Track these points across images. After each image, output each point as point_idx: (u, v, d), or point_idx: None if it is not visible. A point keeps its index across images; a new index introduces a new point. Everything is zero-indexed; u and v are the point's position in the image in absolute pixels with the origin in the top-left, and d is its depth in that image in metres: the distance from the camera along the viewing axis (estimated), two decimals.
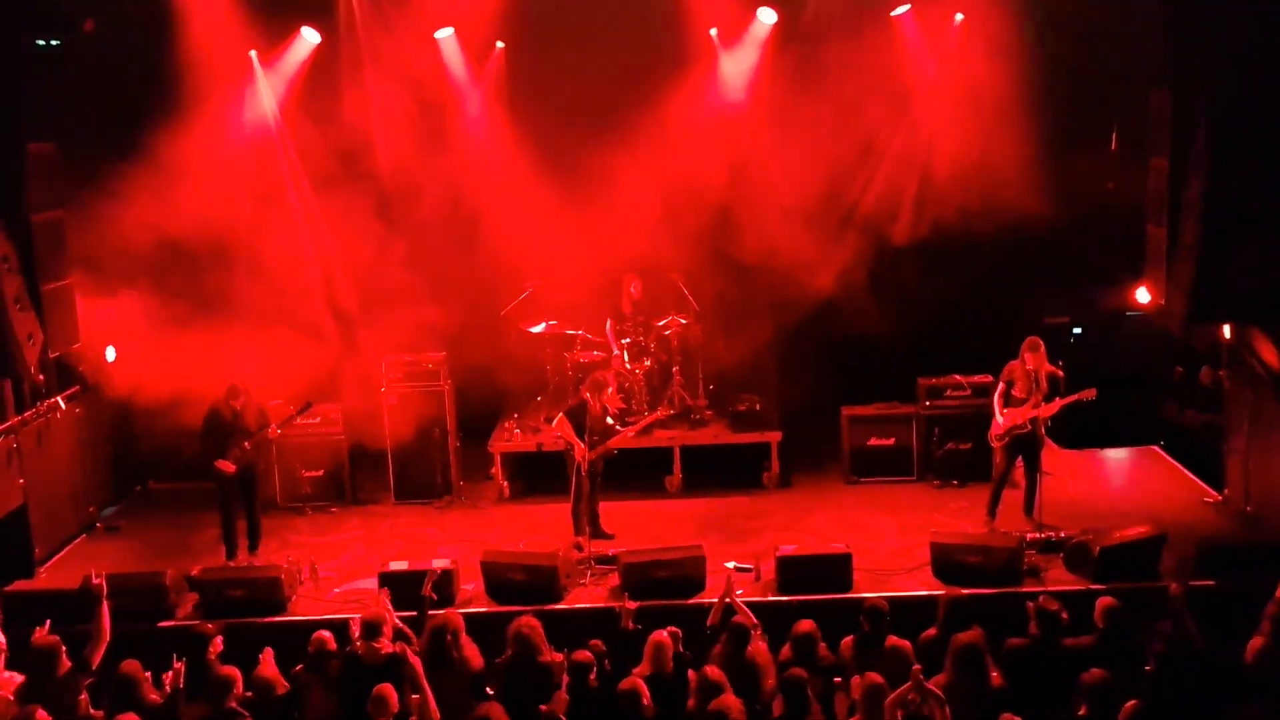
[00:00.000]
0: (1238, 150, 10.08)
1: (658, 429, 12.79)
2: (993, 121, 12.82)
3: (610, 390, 11.40)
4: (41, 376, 11.47)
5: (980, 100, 13.06)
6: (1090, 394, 10.84)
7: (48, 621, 8.48)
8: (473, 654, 8.43)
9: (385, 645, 8.37)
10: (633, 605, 8.83)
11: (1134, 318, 13.02)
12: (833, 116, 13.40)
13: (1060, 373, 11.01)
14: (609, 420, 11.35)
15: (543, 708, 7.63)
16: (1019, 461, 11.34)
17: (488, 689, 8.25)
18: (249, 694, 8.07)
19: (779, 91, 13.48)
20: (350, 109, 13.56)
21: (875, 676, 7.44)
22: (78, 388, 12.41)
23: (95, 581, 8.42)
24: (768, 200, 13.08)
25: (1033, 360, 10.91)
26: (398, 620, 8.55)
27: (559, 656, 8.15)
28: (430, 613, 8.71)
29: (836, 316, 13.67)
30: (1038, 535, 10.79)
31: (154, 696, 8.03)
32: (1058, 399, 10.91)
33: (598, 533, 11.46)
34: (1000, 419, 11.14)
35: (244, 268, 12.79)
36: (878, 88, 13.45)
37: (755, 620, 8.47)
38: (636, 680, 7.59)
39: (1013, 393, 11.08)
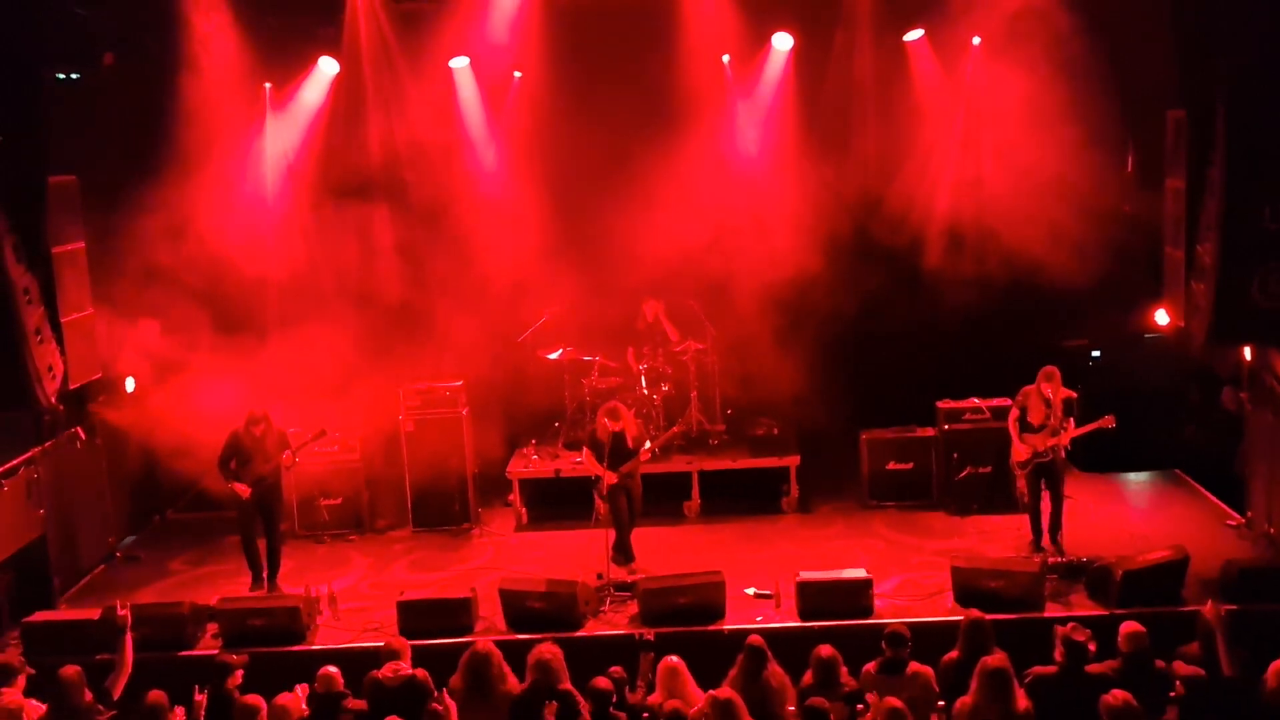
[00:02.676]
0: (1255, 170, 10.05)
1: (676, 453, 12.80)
2: (1008, 144, 12.85)
3: (628, 416, 11.39)
4: (61, 407, 11.52)
5: (996, 124, 13.10)
6: (1109, 422, 10.82)
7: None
8: (513, 684, 8.38)
9: (405, 668, 8.36)
10: (650, 636, 8.79)
11: (1153, 340, 12.98)
12: (849, 141, 13.46)
13: (1075, 395, 10.97)
14: (629, 444, 11.31)
15: None
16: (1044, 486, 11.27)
17: None
18: None
19: (795, 117, 13.52)
20: (367, 138, 13.67)
21: (894, 700, 7.39)
22: (98, 419, 12.46)
23: (121, 612, 8.42)
24: (786, 224, 13.07)
25: (1049, 389, 10.88)
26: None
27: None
28: (469, 639, 8.66)
29: (855, 340, 13.69)
30: (1060, 560, 10.72)
31: None
32: (1072, 425, 10.87)
33: (628, 557, 11.38)
34: (1020, 446, 11.09)
35: (262, 295, 12.86)
36: (894, 112, 13.49)
37: None
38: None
39: (1028, 419, 11.03)
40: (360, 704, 8.24)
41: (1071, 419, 10.95)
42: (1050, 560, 10.72)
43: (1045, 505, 11.29)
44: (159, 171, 12.19)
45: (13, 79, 10.95)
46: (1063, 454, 11.04)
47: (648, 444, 11.35)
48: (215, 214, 12.49)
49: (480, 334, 13.15)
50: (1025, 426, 11.07)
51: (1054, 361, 11.17)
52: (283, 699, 8.08)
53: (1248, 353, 11.59)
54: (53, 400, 11.07)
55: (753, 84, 13.73)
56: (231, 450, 11.15)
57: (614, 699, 7.93)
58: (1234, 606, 9.66)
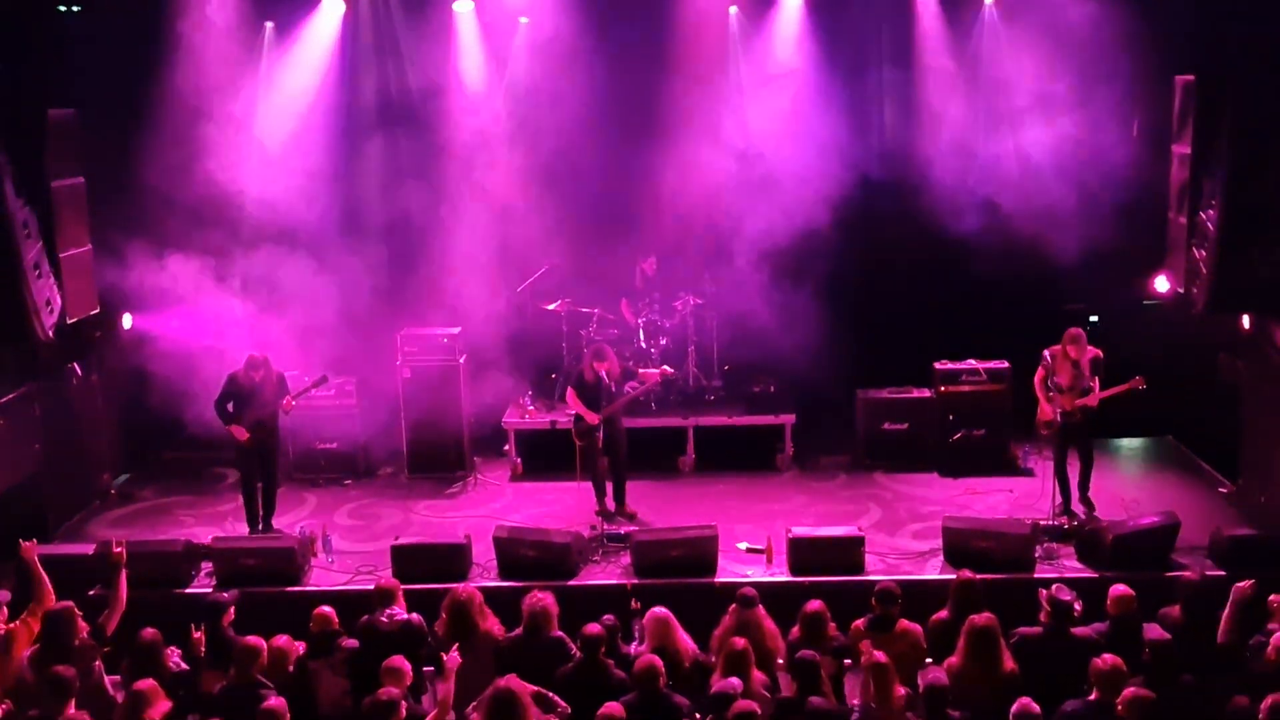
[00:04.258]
0: (1262, 137, 10.00)
1: (672, 408, 12.82)
2: (1014, 107, 12.79)
3: (612, 356, 11.41)
4: (58, 343, 11.50)
5: (1003, 86, 13.03)
6: (1138, 383, 10.74)
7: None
8: (494, 625, 8.45)
9: (399, 613, 8.40)
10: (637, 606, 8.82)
11: (1152, 307, 12.97)
12: (853, 99, 13.38)
13: (1101, 354, 10.94)
14: (612, 386, 11.34)
15: None
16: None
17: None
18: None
19: (800, 71, 13.43)
20: (369, 82, 13.59)
21: (880, 655, 7.44)
22: (94, 355, 12.45)
23: (116, 550, 8.44)
24: (790, 181, 13.01)
25: (1074, 350, 10.80)
26: None
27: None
28: (451, 586, 8.72)
29: (855, 300, 13.67)
30: (1051, 523, 10.76)
31: (173, 664, 8.07)
32: (1098, 386, 10.78)
33: (621, 510, 11.49)
34: (1048, 407, 10.99)
35: (262, 235, 12.82)
36: (902, 73, 13.42)
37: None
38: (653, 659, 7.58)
39: (1055, 380, 10.96)
40: (353, 643, 8.29)
41: (1098, 379, 10.90)
42: (1077, 524, 10.71)
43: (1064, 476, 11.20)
44: (160, 107, 12.11)
45: (13, 11, 10.85)
46: (1090, 417, 10.91)
47: (631, 388, 11.39)
48: (216, 151, 12.41)
49: (479, 283, 13.11)
50: (1052, 388, 10.92)
51: (1052, 325, 11.16)
52: (279, 641, 8.13)
53: (1246, 321, 11.59)
54: (50, 335, 11.05)
55: (761, 39, 13.62)
56: (230, 392, 11.13)
57: (604, 646, 7.97)
58: (1222, 573, 9.73)
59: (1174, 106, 11.45)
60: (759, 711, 6.90)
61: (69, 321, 11.33)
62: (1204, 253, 10.67)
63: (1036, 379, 11.10)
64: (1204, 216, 10.72)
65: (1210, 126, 10.52)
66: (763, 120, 13.50)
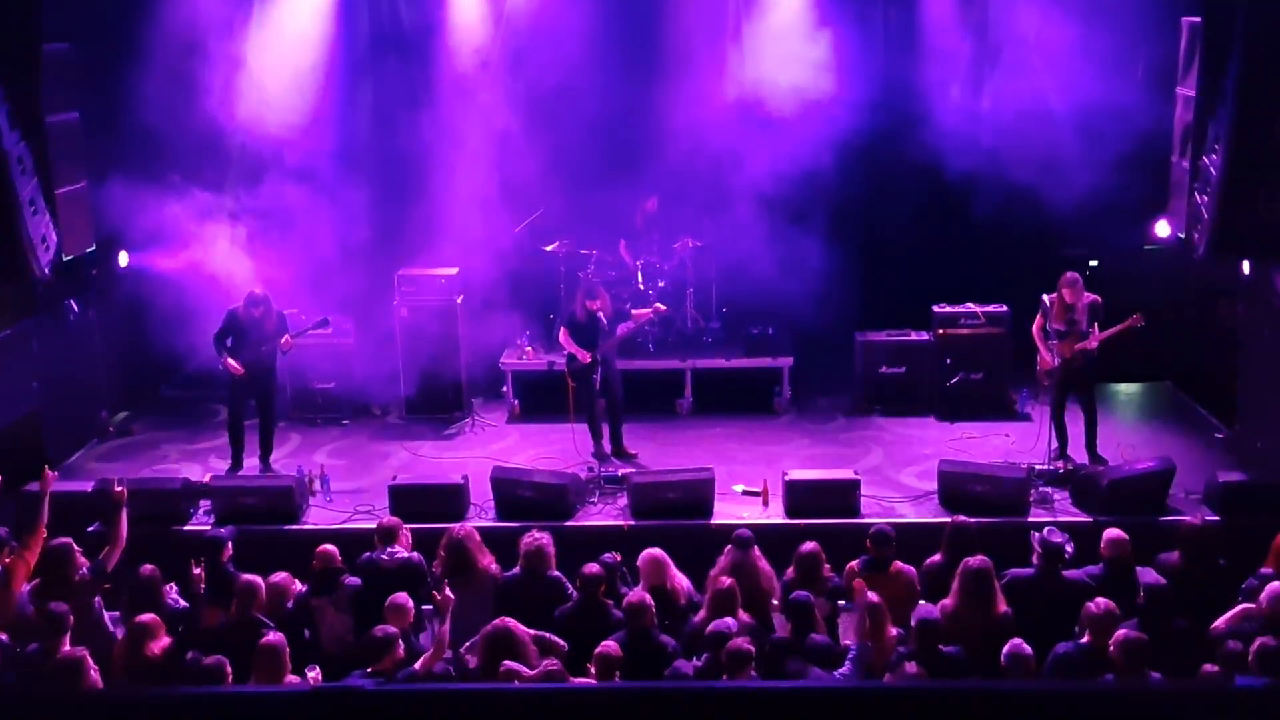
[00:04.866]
0: (1269, 80, 9.89)
1: (670, 350, 12.81)
2: (1016, 49, 12.66)
3: (605, 295, 11.39)
4: (55, 281, 11.45)
5: (1005, 27, 12.89)
6: (1137, 321, 10.68)
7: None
8: (490, 563, 8.50)
9: (401, 551, 8.45)
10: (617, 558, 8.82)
11: (1152, 251, 12.92)
12: (857, 41, 13.25)
13: (1100, 300, 10.89)
14: (604, 324, 11.33)
15: None
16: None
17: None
18: None
19: (804, 10, 13.28)
20: (366, 13, 13.45)
21: (874, 596, 7.50)
22: (91, 292, 12.41)
23: (118, 489, 8.47)
24: (788, 123, 12.90)
25: (1071, 295, 10.74)
26: None
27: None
28: (448, 526, 8.77)
29: (856, 243, 13.61)
30: (1047, 467, 10.79)
31: (170, 600, 8.13)
32: (1097, 330, 10.74)
33: (619, 451, 11.52)
34: (1047, 355, 10.96)
35: (259, 172, 12.74)
36: (900, 18, 13.28)
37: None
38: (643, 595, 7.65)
39: (1052, 326, 10.92)
40: (356, 581, 8.34)
41: (1096, 325, 10.85)
42: (1072, 468, 10.73)
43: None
44: (156, 43, 11.96)
45: None
46: (1090, 362, 10.85)
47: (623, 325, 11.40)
48: (212, 88, 12.30)
49: (478, 222, 13.04)
50: (1050, 335, 10.86)
51: (1052, 269, 11.11)
52: (277, 578, 8.19)
53: (1246, 266, 11.55)
54: (46, 272, 10.99)
55: None
56: (228, 327, 11.12)
57: (604, 586, 8.03)
58: (1217, 519, 9.78)
59: (1179, 48, 11.33)
60: (752, 652, 6.96)
61: (65, 259, 11.27)
62: (1206, 197, 10.60)
63: (1035, 327, 11.06)
64: (1207, 161, 10.63)
65: (1216, 69, 10.39)
66: (766, 61, 13.36)
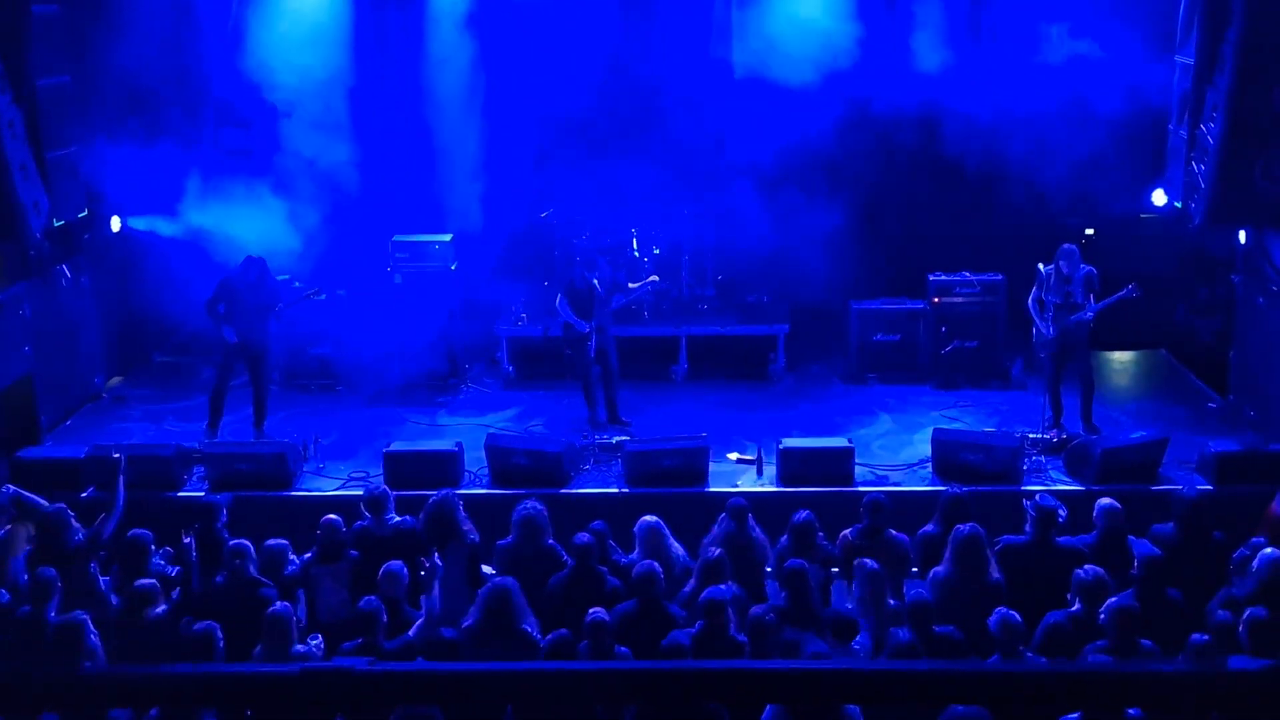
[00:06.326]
0: (1269, 49, 9.84)
1: (667, 318, 12.84)
2: (1012, 16, 12.57)
3: (603, 265, 11.36)
4: (47, 245, 11.39)
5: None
6: (1133, 291, 10.66)
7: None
8: (469, 528, 8.51)
9: (395, 519, 8.46)
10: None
11: (1148, 220, 12.89)
12: (852, 7, 13.14)
13: (1095, 271, 10.87)
14: (601, 294, 11.32)
15: None
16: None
17: (484, 567, 8.32)
18: None
19: None
20: None
21: (872, 564, 7.53)
22: (84, 257, 12.35)
23: (115, 457, 8.46)
24: (784, 91, 12.81)
25: (1067, 267, 10.71)
26: None
27: None
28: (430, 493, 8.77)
29: (852, 211, 13.54)
30: (1041, 436, 10.80)
31: (157, 564, 8.14)
32: (1093, 301, 10.73)
33: (614, 419, 11.52)
34: (1043, 327, 10.94)
35: (252, 134, 12.65)
36: None
37: None
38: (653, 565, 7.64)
39: (1048, 297, 10.84)
40: (355, 555, 8.35)
41: (1092, 295, 10.85)
42: (1066, 437, 10.73)
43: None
44: (144, 4, 11.83)
45: None
46: (1086, 332, 10.87)
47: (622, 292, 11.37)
48: (208, 48, 12.18)
49: (473, 188, 12.97)
50: (1046, 307, 10.84)
51: (1048, 238, 11.08)
52: (271, 544, 8.19)
53: (1242, 236, 11.53)
54: (38, 236, 10.94)
55: None
56: (222, 294, 11.07)
57: (596, 553, 8.04)
58: (1210, 488, 9.80)
59: (1178, 15, 11.25)
60: (776, 623, 6.98)
61: (57, 223, 11.21)
62: (1203, 166, 10.57)
63: (1031, 299, 11.04)
64: (1205, 129, 10.59)
65: (1215, 36, 10.33)
66: (762, 28, 13.25)
